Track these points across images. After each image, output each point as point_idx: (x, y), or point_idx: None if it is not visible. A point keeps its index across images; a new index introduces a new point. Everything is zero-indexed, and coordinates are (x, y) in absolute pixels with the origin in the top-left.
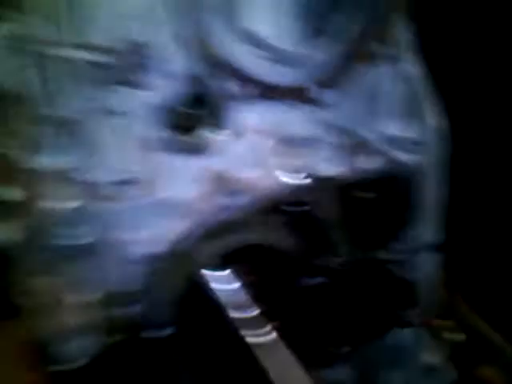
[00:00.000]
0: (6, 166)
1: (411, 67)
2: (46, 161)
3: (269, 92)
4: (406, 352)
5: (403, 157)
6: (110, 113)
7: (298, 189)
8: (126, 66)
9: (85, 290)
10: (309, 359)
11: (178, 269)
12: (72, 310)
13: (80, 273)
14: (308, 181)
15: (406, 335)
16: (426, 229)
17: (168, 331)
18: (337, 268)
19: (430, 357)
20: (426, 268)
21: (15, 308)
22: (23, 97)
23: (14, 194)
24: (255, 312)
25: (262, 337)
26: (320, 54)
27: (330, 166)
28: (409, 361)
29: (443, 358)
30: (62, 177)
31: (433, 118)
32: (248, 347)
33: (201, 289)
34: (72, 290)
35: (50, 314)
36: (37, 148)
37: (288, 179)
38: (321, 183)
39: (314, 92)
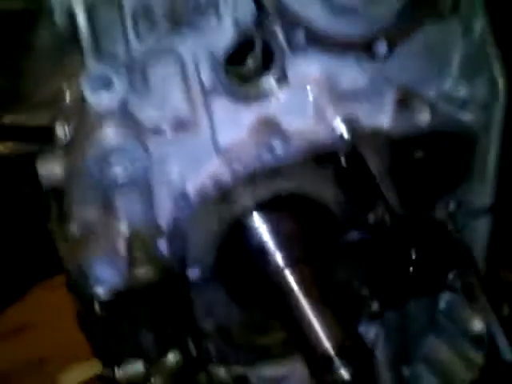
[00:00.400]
0: (63, 102)
1: (477, 22)
2: (103, 98)
3: (329, 42)
4: (449, 316)
5: (462, 115)
6: (170, 54)
7: (350, 141)
8: (190, 8)
9: (127, 224)
10: (342, 313)
11: (221, 211)
12: (107, 241)
13: (125, 206)
14: (360, 133)
15: (451, 299)
16: (482, 191)
17: (205, 273)
18: (383, 224)
19: (473, 324)
20: (479, 231)
21: None
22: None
23: (67, 130)
24: (292, 258)
25: (296, 284)
26: (384, 5)
27: (385, 120)
28: (450, 326)
29: (486, 326)
30: (117, 114)
31: (497, 76)
32: (284, 292)
33: (241, 233)
34: (109, 222)
35: (86, 244)
36: (95, 85)
37: (340, 131)
38: (374, 137)
39: (374, 44)
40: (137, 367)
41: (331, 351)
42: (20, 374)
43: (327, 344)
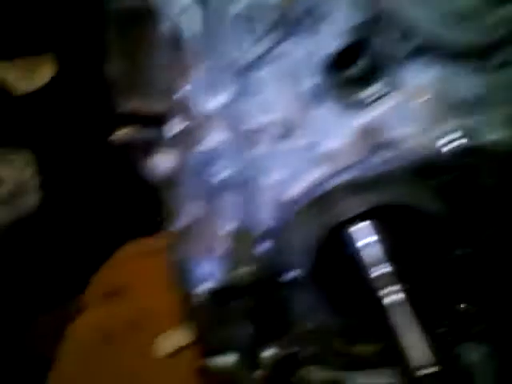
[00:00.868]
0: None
1: None
2: (211, 99)
3: (442, 51)
4: None
5: None
6: (280, 58)
7: (455, 152)
8: (302, 12)
9: (222, 222)
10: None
11: (321, 217)
12: (209, 238)
13: (229, 206)
14: (467, 145)
15: None
16: None
17: (303, 276)
18: (488, 241)
19: None
20: None
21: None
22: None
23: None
24: (387, 269)
25: (391, 295)
26: (501, 13)
27: (494, 132)
28: None
29: None
30: (224, 116)
31: None
32: (377, 302)
33: (337, 240)
34: (211, 219)
35: (189, 238)
36: (204, 86)
37: (445, 141)
38: (481, 149)
39: (490, 53)
40: (232, 360)
41: (421, 372)
42: (120, 335)
43: (417, 364)
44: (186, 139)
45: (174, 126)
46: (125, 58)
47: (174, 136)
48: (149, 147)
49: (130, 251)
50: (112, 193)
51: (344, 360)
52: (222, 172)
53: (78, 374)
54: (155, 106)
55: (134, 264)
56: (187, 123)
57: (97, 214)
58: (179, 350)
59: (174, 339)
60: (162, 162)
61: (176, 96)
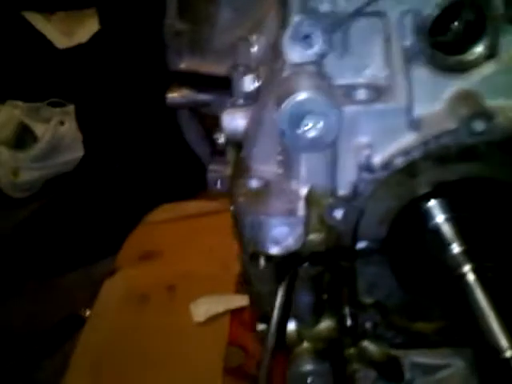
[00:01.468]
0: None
1: None
2: (301, 52)
3: None
4: None
5: None
6: (375, 16)
7: None
8: None
9: (298, 184)
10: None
11: (403, 187)
12: (282, 200)
13: (308, 168)
14: None
15: None
16: None
17: (374, 247)
18: None
19: None
20: None
21: None
22: None
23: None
24: (463, 247)
25: (470, 274)
26: None
27: None
28: None
29: None
30: (312, 72)
31: None
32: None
33: (414, 213)
34: (286, 181)
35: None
36: (295, 38)
37: None
38: None
39: None
40: (290, 328)
41: (509, 353)
42: (155, 296)
43: (505, 345)
44: (265, 97)
45: (248, 84)
46: (184, 14)
47: (246, 94)
48: (202, 111)
49: (164, 214)
50: (152, 154)
51: (404, 337)
52: (305, 131)
53: (111, 332)
54: (214, 67)
55: (168, 227)
56: (266, 80)
57: (134, 174)
58: (215, 317)
59: (210, 305)
60: (233, 121)
61: (250, 52)
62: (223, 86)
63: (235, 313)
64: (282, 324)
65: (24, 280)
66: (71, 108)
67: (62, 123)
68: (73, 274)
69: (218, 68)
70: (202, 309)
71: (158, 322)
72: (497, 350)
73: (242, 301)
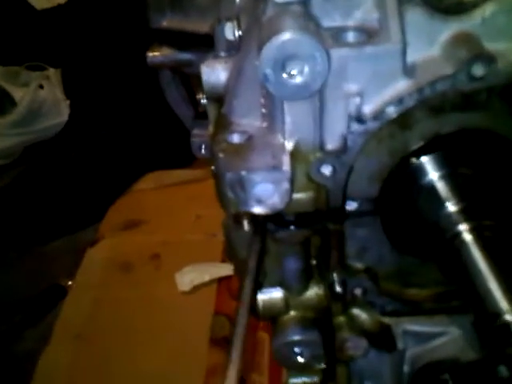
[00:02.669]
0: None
1: None
2: None
3: None
4: None
5: None
6: None
7: None
8: None
9: (283, 138)
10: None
11: (396, 140)
12: (267, 155)
13: (293, 119)
14: None
15: None
16: None
17: (364, 208)
18: None
19: None
20: None
21: None
22: None
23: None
24: (459, 204)
25: (466, 233)
26: None
27: None
28: None
29: None
30: (298, 14)
31: None
32: (457, 248)
33: (413, 169)
34: (271, 134)
35: (244, 155)
36: None
37: None
38: None
39: None
40: (277, 296)
41: (508, 317)
42: (139, 265)
43: (505, 308)
44: (249, 46)
45: (230, 31)
46: None
47: (227, 44)
48: (183, 71)
49: (150, 183)
50: (138, 120)
51: (396, 304)
52: (290, 76)
53: (94, 302)
54: (197, 25)
55: (154, 196)
56: (249, 28)
57: (122, 141)
58: (200, 286)
59: (196, 274)
60: (214, 73)
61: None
62: (206, 44)
63: (222, 281)
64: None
65: (5, 249)
66: (51, 71)
67: (41, 87)
68: (55, 243)
69: (200, 26)
70: (188, 278)
71: (142, 292)
72: (496, 314)
73: (228, 269)
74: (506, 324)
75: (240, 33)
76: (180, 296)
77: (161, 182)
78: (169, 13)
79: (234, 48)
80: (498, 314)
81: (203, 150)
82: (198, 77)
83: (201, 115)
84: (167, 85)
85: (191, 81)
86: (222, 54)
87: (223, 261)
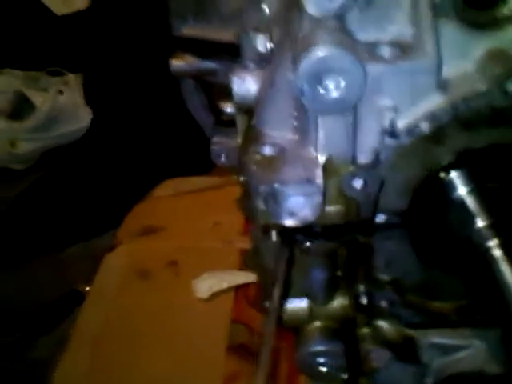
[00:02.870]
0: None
1: None
2: (321, 4)
3: None
4: None
5: None
6: None
7: None
8: None
9: (315, 152)
10: None
11: (428, 154)
12: (298, 168)
13: (326, 132)
14: None
15: None
16: None
17: (393, 220)
18: None
19: None
20: None
21: None
22: None
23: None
24: (490, 220)
25: (497, 248)
26: None
27: None
28: None
29: None
30: (334, 27)
31: None
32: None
33: (438, 184)
34: (303, 148)
35: (275, 167)
36: None
37: None
38: None
39: None
40: (301, 306)
41: None
42: (157, 272)
43: None
44: (281, 58)
45: (262, 43)
46: None
47: (257, 55)
48: (205, 79)
49: (168, 189)
50: (157, 126)
51: (420, 316)
52: (325, 93)
53: (111, 308)
54: (220, 33)
55: (172, 202)
56: (281, 40)
57: (142, 148)
58: (217, 294)
59: (214, 281)
60: (245, 84)
61: (262, 12)
62: (229, 53)
63: (239, 289)
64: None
65: (22, 254)
66: (71, 77)
67: (61, 92)
68: (72, 249)
69: (224, 34)
70: (206, 285)
71: (160, 299)
72: None
73: (246, 277)
74: None
75: (272, 45)
76: (198, 303)
77: (179, 188)
78: (191, 20)
79: (265, 60)
80: None
81: (223, 158)
82: (221, 85)
83: (221, 123)
84: (189, 93)
85: (213, 89)
86: (252, 65)
87: (241, 268)
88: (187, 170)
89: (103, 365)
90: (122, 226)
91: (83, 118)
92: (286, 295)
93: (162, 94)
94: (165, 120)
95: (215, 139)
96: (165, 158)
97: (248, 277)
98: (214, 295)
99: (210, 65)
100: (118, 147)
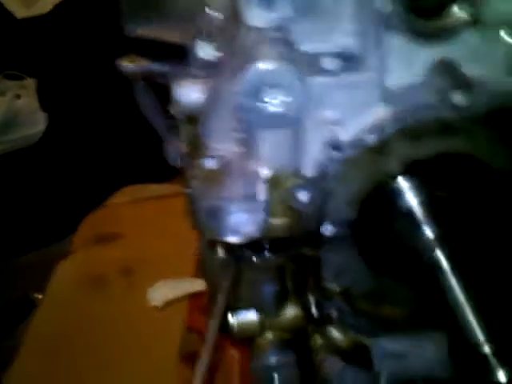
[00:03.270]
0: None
1: None
2: (263, 16)
3: None
4: None
5: None
6: None
7: None
8: None
9: (259, 165)
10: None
11: (373, 166)
12: (242, 182)
13: (270, 146)
14: None
15: None
16: None
17: (341, 231)
18: None
19: None
20: None
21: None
22: None
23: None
24: (436, 231)
25: (443, 258)
26: None
27: None
28: None
29: None
30: (276, 39)
31: None
32: (434, 271)
33: (385, 194)
34: (246, 161)
35: (218, 181)
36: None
37: None
38: None
39: None
40: (251, 317)
41: (487, 348)
42: (111, 280)
43: (482, 339)
44: (224, 68)
45: (205, 51)
46: None
47: (204, 64)
48: (159, 81)
49: (126, 196)
50: (118, 133)
51: (371, 324)
52: (266, 105)
53: (63, 318)
54: (173, 35)
55: (129, 209)
56: (224, 49)
57: (97, 154)
58: (172, 302)
59: (168, 290)
60: (189, 94)
61: (207, 19)
62: (182, 55)
63: (193, 297)
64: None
65: None
66: (29, 81)
67: (18, 97)
68: (29, 256)
69: (176, 36)
70: (160, 293)
71: (114, 307)
72: (473, 344)
73: (200, 285)
74: (483, 355)
75: (217, 54)
76: (152, 311)
77: (137, 195)
78: (144, 21)
79: (211, 68)
80: (475, 344)
81: (179, 162)
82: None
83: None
84: (142, 95)
85: (167, 91)
86: (198, 72)
87: (196, 276)
88: (149, 178)
89: (54, 373)
90: (77, 233)
91: (40, 121)
92: (235, 308)
93: (121, 102)
94: (126, 127)
95: (170, 142)
96: (125, 165)
97: (202, 285)
98: (169, 303)
99: (161, 67)
100: (75, 152)
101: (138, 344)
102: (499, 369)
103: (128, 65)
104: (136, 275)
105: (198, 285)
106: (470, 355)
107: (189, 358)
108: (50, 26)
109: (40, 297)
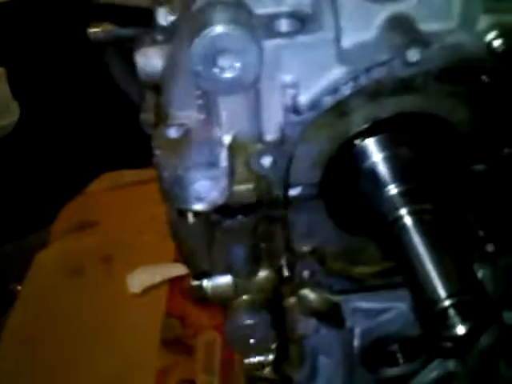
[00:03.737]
0: None
1: None
2: None
3: None
4: None
5: None
6: None
7: (493, 53)
8: None
9: (230, 133)
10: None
11: (334, 127)
12: (205, 149)
13: (229, 112)
14: (506, 46)
15: None
16: None
17: (308, 192)
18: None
19: None
20: None
21: None
22: None
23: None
24: (399, 188)
25: (407, 216)
26: None
27: None
28: None
29: None
30: (230, 3)
31: None
32: (398, 231)
33: (349, 154)
34: (208, 128)
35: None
36: None
37: (492, 41)
38: None
39: None
40: (226, 281)
41: (447, 303)
42: (90, 268)
43: (443, 294)
44: (180, 34)
45: (163, 17)
46: None
47: (163, 29)
48: (126, 47)
49: (105, 183)
50: (89, 118)
51: (343, 283)
52: (221, 71)
53: (43, 308)
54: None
55: (106, 197)
56: (181, 14)
57: (74, 142)
58: (150, 288)
59: (147, 276)
60: (150, 61)
61: None
62: (146, 19)
63: (173, 282)
64: None
65: None
66: (0, 70)
67: None
68: (5, 247)
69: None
70: (139, 280)
71: (93, 295)
72: (434, 300)
73: (179, 270)
74: (443, 310)
75: (173, 19)
76: (131, 298)
77: (116, 182)
78: None
79: (170, 33)
80: (435, 300)
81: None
82: None
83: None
84: (111, 61)
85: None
86: (159, 38)
87: (176, 260)
88: (127, 163)
89: (33, 363)
90: (55, 222)
91: (14, 112)
92: (209, 273)
93: (97, 86)
94: (102, 112)
95: (143, 107)
96: (102, 152)
97: (181, 269)
98: (148, 289)
99: (128, 32)
100: (51, 141)
101: (118, 331)
102: (458, 322)
103: (96, 31)
104: (115, 262)
105: (178, 270)
106: (430, 311)
107: (169, 343)
108: (16, 12)
109: (19, 288)
